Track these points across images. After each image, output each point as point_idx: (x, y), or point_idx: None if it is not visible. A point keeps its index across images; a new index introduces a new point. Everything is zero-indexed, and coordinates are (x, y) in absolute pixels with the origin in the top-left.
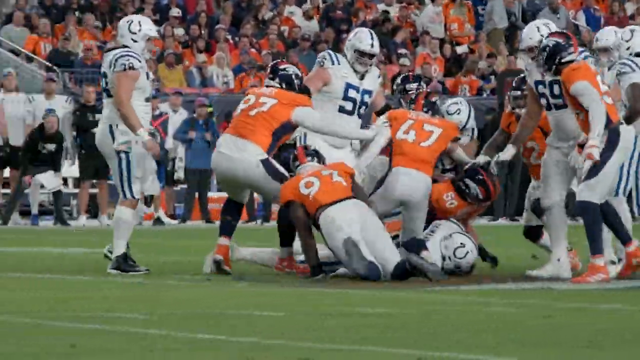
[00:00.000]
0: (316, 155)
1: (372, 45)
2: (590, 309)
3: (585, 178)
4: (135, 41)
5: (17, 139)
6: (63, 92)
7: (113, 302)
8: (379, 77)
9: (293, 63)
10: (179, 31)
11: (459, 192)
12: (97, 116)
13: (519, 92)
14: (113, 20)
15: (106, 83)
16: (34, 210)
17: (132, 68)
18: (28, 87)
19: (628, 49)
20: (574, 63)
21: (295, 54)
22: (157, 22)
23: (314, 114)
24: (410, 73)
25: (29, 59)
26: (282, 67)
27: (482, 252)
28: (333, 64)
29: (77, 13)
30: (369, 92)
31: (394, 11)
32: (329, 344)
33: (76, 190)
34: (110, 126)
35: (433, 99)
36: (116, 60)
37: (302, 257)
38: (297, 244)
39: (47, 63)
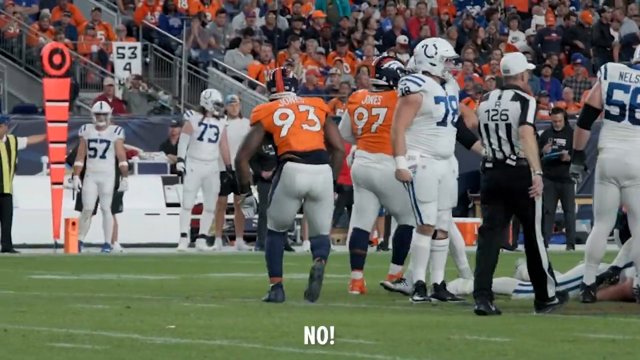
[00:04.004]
0: (293, 84)
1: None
2: None
3: None
4: (433, 64)
5: None
6: None
7: (338, 328)
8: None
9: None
10: (404, 57)
11: None
12: None
13: None
14: (336, 46)
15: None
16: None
17: (408, 92)
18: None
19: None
20: None
21: None
22: (380, 48)
23: None
24: None
25: (252, 85)
26: (385, 64)
27: None
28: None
29: (300, 39)
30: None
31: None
32: None
33: (299, 216)
34: None
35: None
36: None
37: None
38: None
39: None
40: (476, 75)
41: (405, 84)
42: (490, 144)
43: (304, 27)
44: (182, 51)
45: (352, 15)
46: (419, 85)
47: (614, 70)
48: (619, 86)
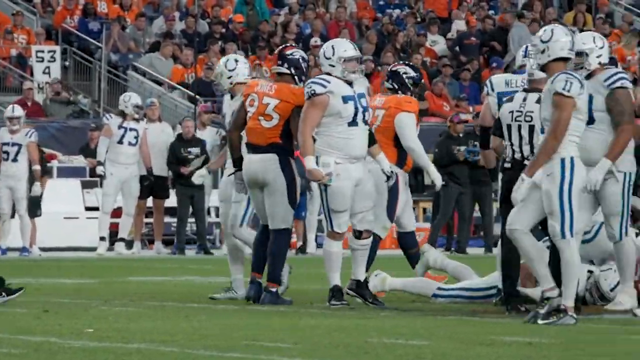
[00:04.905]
0: (286, 61)
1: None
2: None
3: None
4: (332, 66)
5: (161, 169)
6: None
7: (256, 331)
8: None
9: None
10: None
11: None
12: None
13: None
14: (255, 50)
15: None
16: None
17: (314, 94)
18: (171, 116)
19: None
20: None
21: (441, 81)
22: None
23: None
24: None
25: (172, 89)
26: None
27: None
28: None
29: (220, 42)
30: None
31: None
32: None
33: (218, 220)
34: None
35: None
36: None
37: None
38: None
39: (190, 92)
40: None
41: (310, 87)
42: (512, 145)
43: (224, 30)
44: (101, 55)
45: (271, 19)
46: (324, 86)
47: (499, 80)
48: (507, 94)
